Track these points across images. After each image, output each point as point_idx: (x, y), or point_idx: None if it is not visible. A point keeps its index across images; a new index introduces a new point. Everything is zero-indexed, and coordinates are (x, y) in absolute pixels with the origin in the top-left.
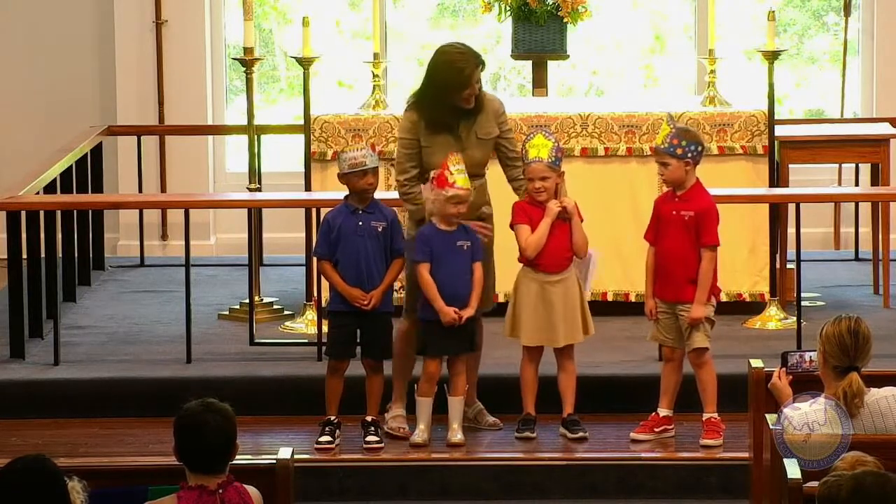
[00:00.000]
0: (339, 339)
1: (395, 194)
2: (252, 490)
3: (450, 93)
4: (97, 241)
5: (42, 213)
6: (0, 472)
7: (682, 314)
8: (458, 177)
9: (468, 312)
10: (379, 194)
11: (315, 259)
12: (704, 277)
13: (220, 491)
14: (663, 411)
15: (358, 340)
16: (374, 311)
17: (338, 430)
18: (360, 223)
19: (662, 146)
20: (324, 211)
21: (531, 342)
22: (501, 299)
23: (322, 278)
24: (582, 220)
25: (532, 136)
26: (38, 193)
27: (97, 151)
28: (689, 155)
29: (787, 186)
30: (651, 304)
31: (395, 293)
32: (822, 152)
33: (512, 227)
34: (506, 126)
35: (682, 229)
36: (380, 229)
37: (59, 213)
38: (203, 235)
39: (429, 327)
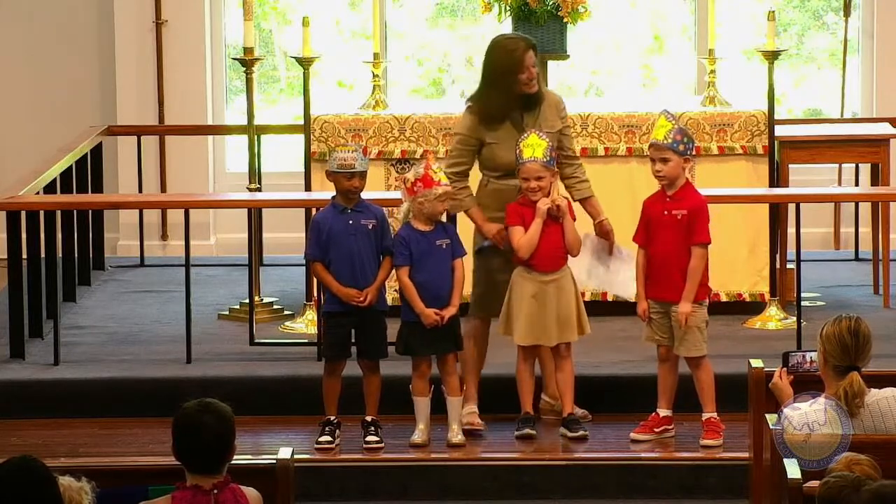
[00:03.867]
0: (334, 341)
1: (390, 194)
2: (251, 492)
3: (507, 78)
4: (97, 241)
5: (42, 213)
6: None
7: (675, 313)
8: (441, 174)
9: (450, 312)
10: (377, 194)
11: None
12: (694, 274)
13: (216, 491)
14: (663, 411)
15: (353, 341)
16: (369, 310)
17: (338, 430)
18: (351, 222)
19: (665, 141)
20: None
21: (524, 341)
22: None
23: None
24: (574, 220)
25: (527, 135)
26: (38, 193)
27: (97, 151)
28: (689, 153)
29: (787, 186)
30: (644, 305)
31: (393, 292)
32: (822, 152)
33: (505, 228)
34: (567, 122)
35: (676, 229)
36: (370, 227)
37: (59, 213)
38: (203, 235)
39: (411, 328)
